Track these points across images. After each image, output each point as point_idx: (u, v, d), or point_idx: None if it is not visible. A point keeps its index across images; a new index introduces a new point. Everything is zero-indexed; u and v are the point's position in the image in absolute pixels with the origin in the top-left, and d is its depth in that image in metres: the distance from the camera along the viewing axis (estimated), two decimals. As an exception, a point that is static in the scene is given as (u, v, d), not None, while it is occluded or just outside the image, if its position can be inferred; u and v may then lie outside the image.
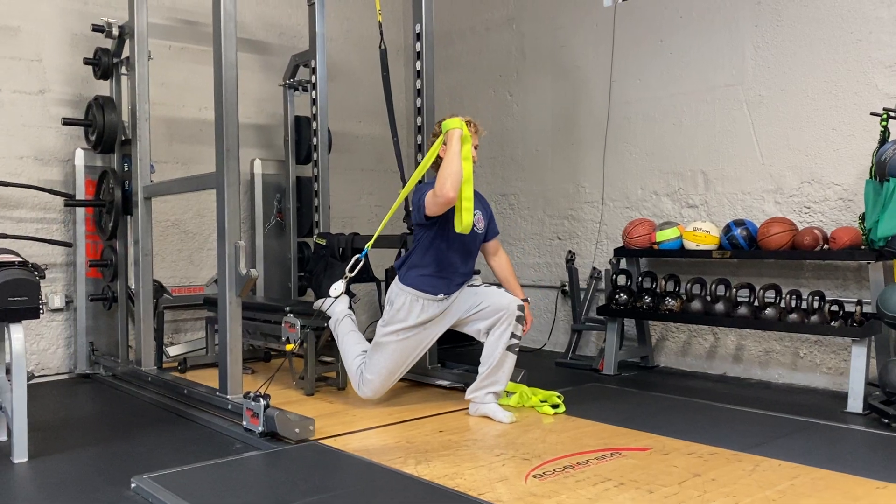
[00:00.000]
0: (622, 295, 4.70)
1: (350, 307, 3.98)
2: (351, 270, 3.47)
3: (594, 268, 5.26)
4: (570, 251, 5.24)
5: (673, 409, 3.69)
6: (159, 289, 5.21)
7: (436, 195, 3.30)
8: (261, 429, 3.17)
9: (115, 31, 4.50)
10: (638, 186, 5.12)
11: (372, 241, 3.57)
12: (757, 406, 3.73)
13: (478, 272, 4.05)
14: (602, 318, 4.85)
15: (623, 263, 4.90)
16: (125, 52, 4.60)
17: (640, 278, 4.72)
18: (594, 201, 5.39)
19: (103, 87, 4.97)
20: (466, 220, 3.34)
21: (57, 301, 4.93)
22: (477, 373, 3.63)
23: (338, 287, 3.48)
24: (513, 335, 3.53)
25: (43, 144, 4.92)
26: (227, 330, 3.54)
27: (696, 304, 4.36)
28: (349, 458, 2.91)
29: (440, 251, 3.55)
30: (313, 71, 5.26)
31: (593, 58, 5.36)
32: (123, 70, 4.59)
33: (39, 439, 3.36)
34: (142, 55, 4.37)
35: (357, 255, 3.48)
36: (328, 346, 4.24)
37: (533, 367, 5.01)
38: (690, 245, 4.44)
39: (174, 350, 5.24)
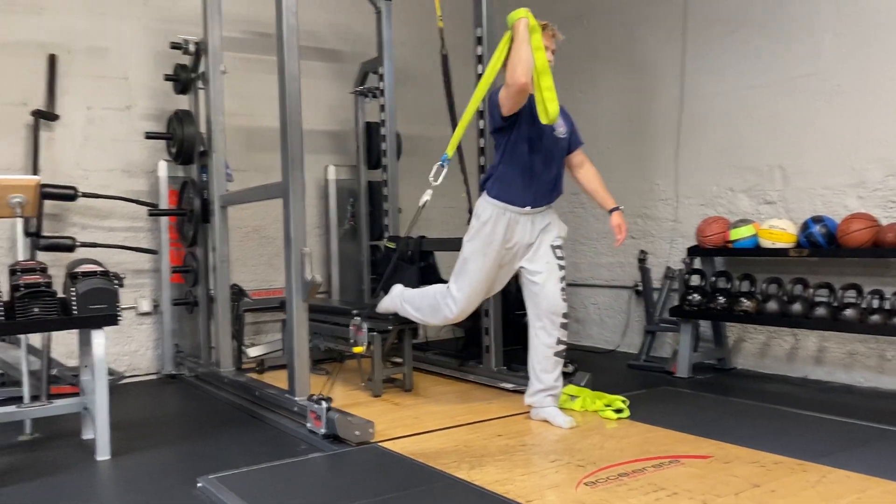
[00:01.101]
0: (695, 295, 4.57)
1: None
2: (435, 178, 3.50)
3: (668, 267, 5.13)
4: (641, 251, 5.14)
5: (743, 415, 3.57)
6: (239, 292, 5.43)
7: (507, 85, 3.23)
8: (323, 431, 3.26)
9: (192, 48, 4.70)
10: (713, 183, 4.97)
11: (452, 146, 3.57)
12: (836, 412, 3.57)
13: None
14: (675, 319, 4.73)
15: (697, 263, 4.77)
16: (202, 68, 4.80)
17: (713, 278, 4.58)
18: (668, 199, 5.26)
19: (184, 102, 5.21)
20: (552, 108, 3.24)
21: (145, 305, 5.20)
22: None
23: (425, 197, 3.58)
24: (559, 341, 3.49)
25: (130, 157, 5.20)
26: (293, 333, 3.65)
27: (772, 305, 4.20)
28: (405, 461, 2.95)
29: (522, 155, 3.44)
30: (381, 77, 5.35)
31: (664, 52, 5.23)
32: (200, 84, 4.79)
33: (123, 438, 3.57)
34: (215, 70, 4.56)
35: (439, 163, 3.51)
36: (395, 348, 4.31)
37: (604, 369, 4.97)
38: (766, 243, 4.28)
39: (254, 351, 5.44)
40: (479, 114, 4.32)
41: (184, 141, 4.78)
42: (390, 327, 4.07)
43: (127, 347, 5.19)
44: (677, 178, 5.17)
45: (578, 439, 3.21)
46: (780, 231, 4.22)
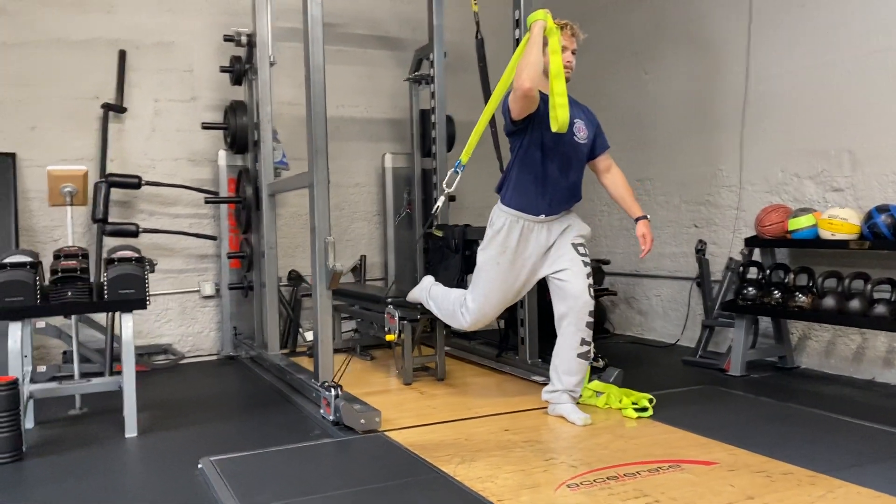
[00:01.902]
0: (751, 289, 4.30)
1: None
2: (448, 185, 3.44)
3: (731, 258, 4.83)
4: (700, 240, 4.87)
5: (779, 419, 3.33)
6: (297, 278, 5.58)
7: (513, 89, 3.15)
8: (331, 417, 3.30)
9: (244, 40, 4.84)
10: (778, 168, 4.64)
11: (466, 153, 3.50)
12: (889, 421, 3.26)
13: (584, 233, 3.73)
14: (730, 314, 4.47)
15: (757, 254, 4.48)
16: (254, 59, 4.94)
17: (768, 271, 4.29)
18: (732, 185, 4.96)
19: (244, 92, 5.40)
20: (562, 115, 3.11)
21: (208, 289, 5.43)
22: None
23: (439, 203, 3.53)
24: (583, 342, 3.35)
25: (194, 147, 5.43)
26: (318, 320, 3.71)
27: (828, 301, 3.90)
28: (400, 452, 2.94)
29: (535, 161, 3.33)
30: (431, 64, 5.31)
31: (729, 29, 4.91)
32: (252, 75, 4.93)
33: (159, 416, 3.76)
34: (263, 61, 4.67)
35: (452, 169, 3.44)
36: (427, 336, 4.30)
37: (658, 364, 4.78)
38: (826, 234, 3.96)
39: (311, 335, 5.56)
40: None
41: (237, 131, 4.93)
42: (419, 316, 4.06)
43: (191, 329, 5.45)
44: (741, 163, 4.86)
45: (586, 438, 3.09)
46: (840, 221, 3.89)
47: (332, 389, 3.31)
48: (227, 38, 4.91)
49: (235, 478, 2.69)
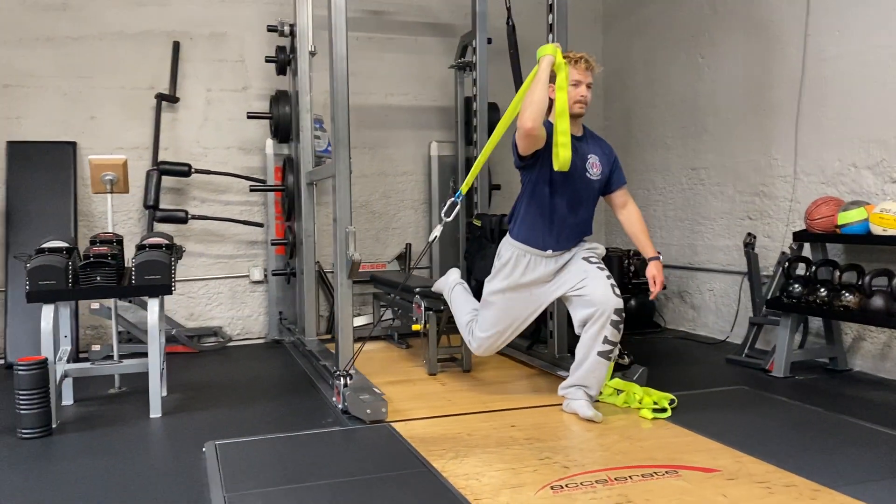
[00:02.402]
0: (797, 286, 4.06)
1: (462, 278, 3.95)
2: (447, 214, 3.35)
3: (783, 252, 4.58)
4: (748, 234, 4.63)
5: (806, 426, 3.13)
6: (342, 265, 5.64)
7: (517, 127, 3.11)
8: (341, 406, 3.33)
9: (287, 30, 4.90)
10: (835, 158, 4.35)
11: (467, 184, 3.42)
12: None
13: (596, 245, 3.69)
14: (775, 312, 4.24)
15: (808, 250, 4.23)
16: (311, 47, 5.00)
17: (814, 267, 4.03)
18: (787, 175, 4.69)
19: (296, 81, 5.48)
20: (563, 155, 3.05)
21: (257, 274, 5.58)
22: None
23: (435, 232, 3.44)
24: (606, 340, 3.24)
25: (245, 135, 5.56)
26: (339, 308, 3.74)
27: (876, 301, 3.63)
28: (398, 444, 2.94)
29: (543, 197, 3.29)
30: (474, 51, 5.24)
31: (787, 9, 4.62)
32: (295, 65, 4.99)
33: (188, 398, 3.90)
34: (303, 51, 4.72)
35: (452, 199, 3.36)
36: (451, 327, 4.27)
37: (701, 362, 4.61)
38: (877, 230, 3.69)
39: (357, 321, 5.62)
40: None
41: (280, 120, 5.01)
42: (443, 307, 4.03)
43: (241, 312, 5.61)
44: (796, 152, 4.58)
45: (591, 437, 3.00)
46: (892, 216, 3.62)
47: (342, 378, 3.33)
48: (271, 29, 4.99)
49: (230, 463, 2.75)
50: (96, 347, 4.98)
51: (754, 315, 4.59)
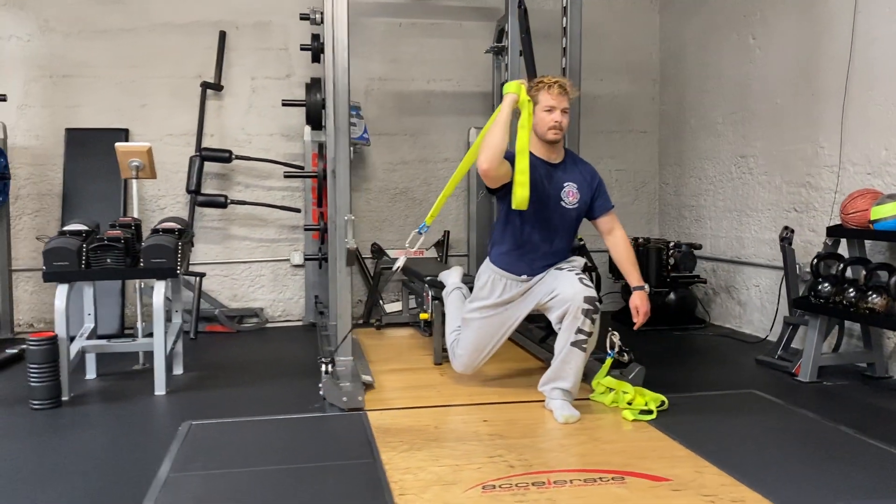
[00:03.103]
0: (826, 285, 3.78)
1: (463, 281, 3.92)
2: (411, 245, 3.34)
3: (826, 244, 4.26)
4: (785, 227, 4.31)
5: (798, 438, 2.92)
6: (379, 251, 5.71)
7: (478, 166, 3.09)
8: (321, 393, 3.37)
9: (319, 18, 4.95)
10: (881, 146, 4.00)
11: (431, 215, 3.36)
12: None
13: (579, 254, 3.62)
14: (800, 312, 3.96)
15: (844, 246, 3.92)
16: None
17: (841, 266, 3.73)
18: (832, 165, 4.35)
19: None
20: (519, 194, 3.06)
21: (297, 258, 5.71)
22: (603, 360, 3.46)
23: (399, 263, 3.43)
24: (579, 330, 3.13)
25: (287, 122, 5.68)
26: (337, 295, 3.78)
27: (904, 305, 3.32)
28: (361, 433, 2.94)
29: (515, 227, 3.31)
30: (506, 35, 5.12)
31: (839, -15, 4.27)
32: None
33: (203, 376, 4.07)
34: (329, 38, 4.75)
35: (416, 230, 3.35)
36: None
37: (730, 361, 4.40)
38: (911, 226, 3.37)
39: (391, 307, 5.68)
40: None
41: (312, 107, 5.09)
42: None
43: (282, 295, 5.77)
44: (842, 139, 4.24)
45: (555, 437, 2.92)
46: (926, 211, 3.30)
47: (324, 365, 3.37)
48: (303, 17, 5.04)
49: (194, 443, 2.85)
50: (142, 324, 5.23)
51: (789, 314, 4.29)
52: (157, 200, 5.57)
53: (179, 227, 3.95)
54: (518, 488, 2.38)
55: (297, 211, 5.58)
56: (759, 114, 4.98)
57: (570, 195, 3.29)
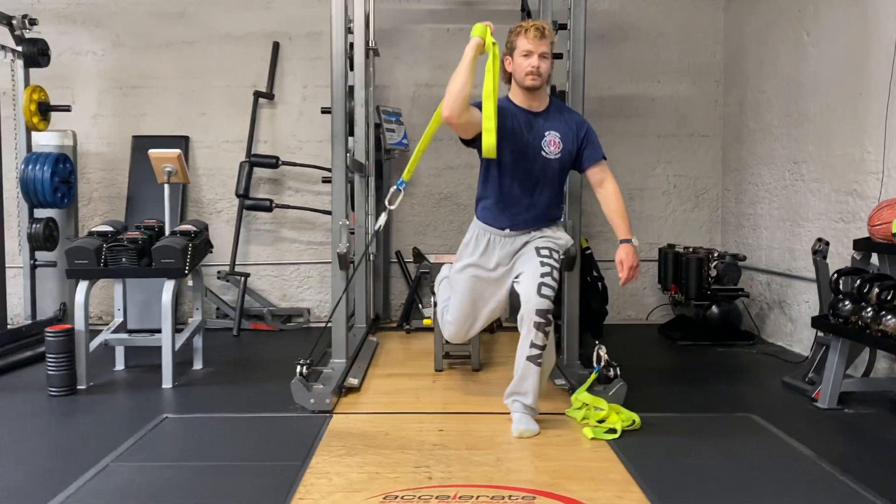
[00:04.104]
0: (847, 303, 3.45)
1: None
2: (391, 202, 3.33)
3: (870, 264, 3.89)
4: (819, 239, 3.96)
5: (768, 472, 2.68)
6: (418, 255, 5.75)
7: None
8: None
9: (352, 27, 5.06)
10: (925, 151, 3.60)
11: (408, 171, 3.33)
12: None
13: (560, 221, 3.41)
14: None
15: (875, 261, 3.57)
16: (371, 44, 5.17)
17: (858, 283, 3.38)
18: (878, 171, 3.96)
19: (382, 76, 5.67)
20: (486, 141, 2.93)
21: (340, 260, 5.84)
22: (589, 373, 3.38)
23: (380, 221, 3.43)
24: (532, 344, 3.02)
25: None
26: (333, 299, 3.85)
27: (915, 328, 2.98)
28: (311, 435, 2.97)
29: (494, 179, 3.17)
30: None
31: (886, -27, 3.89)
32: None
33: (217, 372, 4.26)
34: (358, 47, 4.86)
35: (395, 187, 3.33)
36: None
37: (761, 381, 4.17)
38: (930, 240, 3.02)
39: (428, 311, 5.70)
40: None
41: (344, 115, 5.20)
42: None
43: (328, 296, 5.91)
44: (885, 143, 3.85)
45: (497, 451, 2.82)
46: (944, 224, 2.94)
47: (298, 367, 3.44)
48: (339, 26, 5.17)
49: (153, 436, 3.01)
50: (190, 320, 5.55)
51: (819, 334, 3.94)
52: (215, 204, 5.88)
53: (196, 229, 4.16)
54: (419, 500, 2.34)
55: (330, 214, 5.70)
56: (811, 116, 4.61)
57: (552, 144, 3.13)
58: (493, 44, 3.00)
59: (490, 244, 3.23)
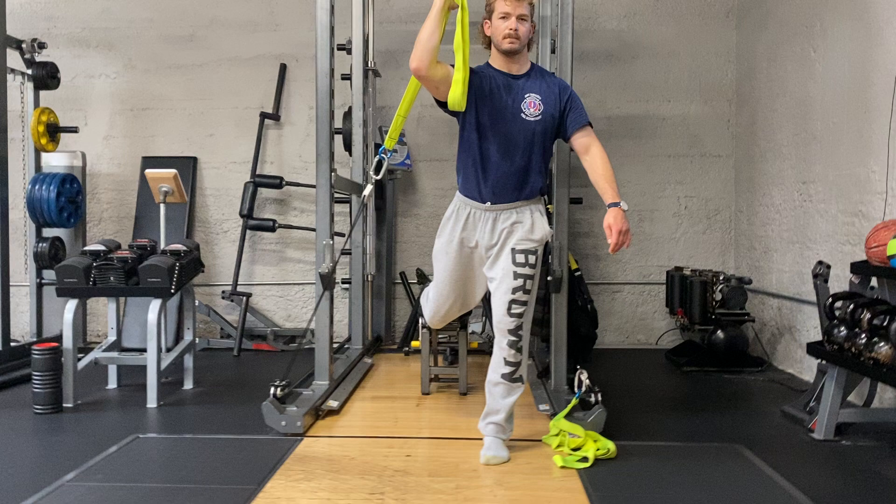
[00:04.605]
0: (842, 329, 3.28)
1: None
2: (376, 171, 3.27)
3: (872, 287, 3.72)
4: (819, 262, 3.80)
5: None
6: (422, 276, 5.69)
7: None
8: (269, 415, 3.40)
9: (351, 49, 5.07)
10: (928, 170, 3.44)
11: (390, 137, 3.24)
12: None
13: (544, 200, 3.23)
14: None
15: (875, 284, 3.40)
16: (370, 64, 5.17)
17: (851, 307, 3.22)
18: (882, 192, 3.79)
19: (387, 97, 5.66)
20: (452, 92, 2.84)
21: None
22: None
23: (365, 191, 3.37)
24: (506, 361, 2.93)
25: (341, 150, 5.76)
26: (318, 319, 3.82)
27: (906, 356, 2.81)
28: (275, 458, 2.93)
29: (472, 144, 3.04)
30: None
31: (888, -15, 3.75)
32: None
33: (206, 392, 4.24)
34: (357, 69, 4.87)
35: (378, 156, 3.25)
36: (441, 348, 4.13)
37: (762, 410, 4.00)
38: (923, 263, 2.86)
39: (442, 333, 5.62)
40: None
41: (347, 135, 5.21)
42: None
43: (334, 317, 5.88)
44: (888, 162, 3.69)
45: (459, 479, 2.73)
46: (937, 246, 2.78)
47: (273, 388, 3.39)
48: (340, 47, 5.18)
49: (119, 455, 2.99)
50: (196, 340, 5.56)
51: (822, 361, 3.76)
52: (221, 224, 5.91)
53: (185, 248, 4.17)
54: (361, 529, 2.27)
55: (342, 235, 5.69)
56: (818, 134, 4.45)
57: (532, 106, 3.00)
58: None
59: (470, 219, 3.05)
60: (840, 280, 4.01)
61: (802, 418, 3.60)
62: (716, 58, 5.75)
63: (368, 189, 3.35)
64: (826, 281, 3.76)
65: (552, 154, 3.44)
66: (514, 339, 2.91)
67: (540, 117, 3.01)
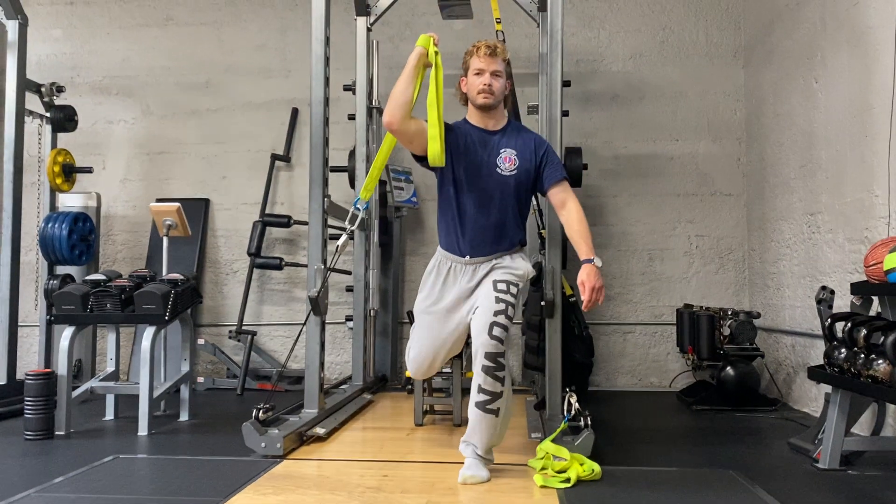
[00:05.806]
0: (843, 350, 3.15)
1: None
2: (351, 223, 3.35)
3: (878, 313, 3.58)
4: (822, 287, 3.68)
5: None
6: (427, 316, 5.63)
7: None
8: (250, 437, 3.34)
9: (355, 89, 5.17)
10: (929, 189, 3.34)
11: (366, 189, 3.36)
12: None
13: (521, 246, 3.22)
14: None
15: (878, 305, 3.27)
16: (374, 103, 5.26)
17: (849, 326, 3.09)
18: (885, 216, 3.68)
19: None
20: (431, 149, 2.91)
21: (351, 322, 5.78)
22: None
23: (339, 242, 3.44)
24: (480, 389, 2.85)
25: (351, 190, 5.89)
26: (309, 347, 3.78)
27: (904, 372, 2.68)
28: (246, 477, 2.86)
29: (449, 198, 3.08)
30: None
31: (884, 7, 3.72)
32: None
33: (199, 424, 4.19)
34: (360, 106, 4.95)
35: (353, 208, 3.39)
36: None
37: (766, 442, 3.81)
38: (920, 276, 2.75)
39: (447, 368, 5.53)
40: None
41: (351, 172, 5.26)
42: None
43: (339, 357, 5.86)
44: (889, 185, 3.59)
45: (432, 495, 2.64)
46: (932, 256, 2.68)
47: (255, 410, 3.34)
48: (347, 88, 5.30)
49: (94, 473, 2.96)
50: (200, 379, 5.55)
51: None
52: (231, 264, 5.97)
53: (183, 277, 4.20)
54: (318, 537, 2.18)
55: (348, 273, 5.69)
56: (823, 164, 4.37)
57: (507, 161, 3.04)
58: (437, 53, 3.00)
59: (451, 274, 3.09)
60: (847, 308, 3.87)
61: (809, 449, 3.43)
62: (724, 97, 5.73)
63: (343, 239, 3.38)
64: (830, 307, 3.63)
65: (530, 208, 3.47)
66: (490, 364, 2.83)
67: (515, 172, 3.05)
